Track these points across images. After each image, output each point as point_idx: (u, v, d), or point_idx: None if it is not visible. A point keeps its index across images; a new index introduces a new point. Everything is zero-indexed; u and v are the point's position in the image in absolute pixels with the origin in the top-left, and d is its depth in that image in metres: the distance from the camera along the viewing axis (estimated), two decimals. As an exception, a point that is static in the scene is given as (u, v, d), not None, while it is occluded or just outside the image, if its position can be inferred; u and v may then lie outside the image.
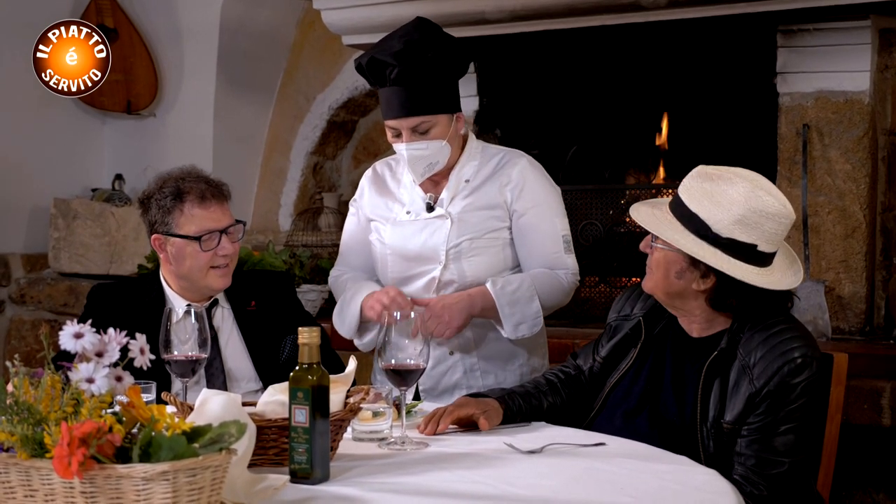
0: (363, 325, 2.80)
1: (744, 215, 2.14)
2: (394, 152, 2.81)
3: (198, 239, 2.67)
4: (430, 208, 2.78)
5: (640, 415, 2.30)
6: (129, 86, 5.06)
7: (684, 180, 2.25)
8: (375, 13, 4.28)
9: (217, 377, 2.70)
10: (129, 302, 2.75)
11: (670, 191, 4.03)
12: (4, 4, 4.83)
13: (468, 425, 2.28)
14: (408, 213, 2.80)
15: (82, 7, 4.98)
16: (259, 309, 2.81)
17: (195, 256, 2.68)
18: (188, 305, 2.70)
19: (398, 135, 2.70)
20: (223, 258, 2.70)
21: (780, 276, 2.20)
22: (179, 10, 5.04)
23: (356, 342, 2.87)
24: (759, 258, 2.17)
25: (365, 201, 2.90)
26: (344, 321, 2.82)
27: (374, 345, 2.19)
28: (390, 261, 2.81)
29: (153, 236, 2.72)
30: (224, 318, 2.78)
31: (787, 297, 2.24)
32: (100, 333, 1.55)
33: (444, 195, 2.78)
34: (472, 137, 2.85)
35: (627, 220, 4.37)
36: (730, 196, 2.15)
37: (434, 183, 2.80)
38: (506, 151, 2.85)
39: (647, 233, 2.28)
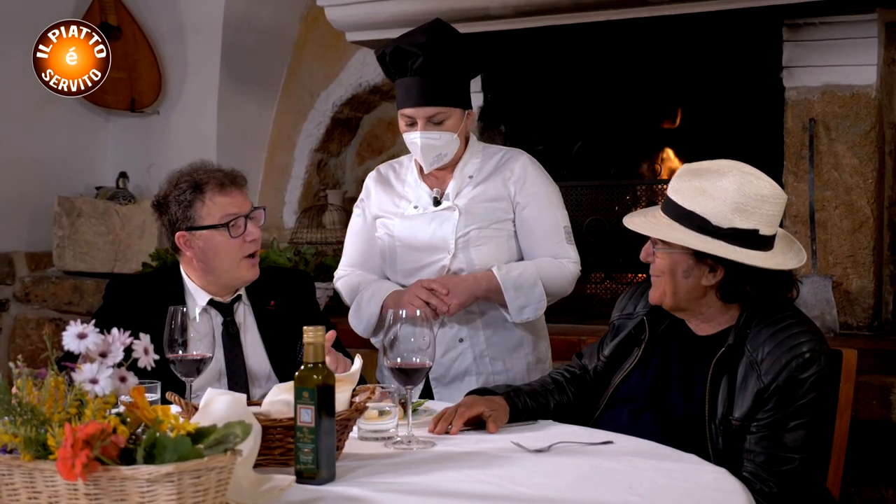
0: (380, 322, 2.84)
1: (741, 202, 2.15)
2: (396, 151, 2.84)
3: (225, 226, 2.63)
4: (437, 202, 2.87)
5: (648, 412, 2.29)
6: (132, 83, 5.05)
7: (672, 182, 2.26)
8: (378, 9, 4.27)
9: (239, 375, 2.66)
10: (149, 296, 2.68)
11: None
12: (4, 4, 4.82)
13: (476, 423, 2.27)
14: (415, 207, 2.89)
15: (85, 5, 4.98)
16: (278, 309, 2.77)
17: (227, 246, 2.63)
18: (210, 300, 2.68)
19: (412, 124, 2.79)
20: (252, 244, 2.66)
21: (783, 259, 2.22)
22: (183, 6, 5.03)
23: (373, 340, 2.97)
24: (762, 242, 2.18)
25: (372, 200, 2.97)
26: (362, 320, 2.89)
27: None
28: (399, 253, 2.88)
29: (177, 234, 2.65)
30: (245, 315, 2.74)
31: (791, 282, 2.24)
32: (104, 333, 1.54)
33: (450, 190, 2.88)
34: (473, 137, 2.96)
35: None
36: (723, 187, 2.17)
37: (438, 179, 2.90)
38: (506, 150, 2.98)
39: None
